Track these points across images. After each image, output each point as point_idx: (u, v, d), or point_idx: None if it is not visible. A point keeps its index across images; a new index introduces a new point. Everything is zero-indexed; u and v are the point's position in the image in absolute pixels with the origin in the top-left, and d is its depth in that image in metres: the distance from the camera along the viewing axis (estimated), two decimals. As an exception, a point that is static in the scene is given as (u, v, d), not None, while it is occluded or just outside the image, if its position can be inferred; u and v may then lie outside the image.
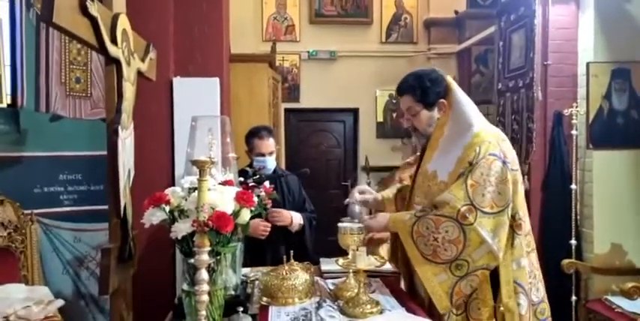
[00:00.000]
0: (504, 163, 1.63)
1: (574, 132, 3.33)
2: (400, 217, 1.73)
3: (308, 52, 5.73)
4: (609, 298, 3.04)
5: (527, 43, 3.51)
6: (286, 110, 5.75)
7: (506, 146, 1.68)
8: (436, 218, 1.61)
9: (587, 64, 3.28)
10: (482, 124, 1.72)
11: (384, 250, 2.31)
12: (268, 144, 2.60)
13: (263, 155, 2.57)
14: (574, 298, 3.23)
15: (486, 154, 1.62)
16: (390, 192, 2.11)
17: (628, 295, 2.60)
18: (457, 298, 1.59)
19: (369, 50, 5.75)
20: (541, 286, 1.75)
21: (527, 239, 1.71)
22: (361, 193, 1.99)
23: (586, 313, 3.11)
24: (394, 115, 5.79)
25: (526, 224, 1.71)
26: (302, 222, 2.59)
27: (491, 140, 1.65)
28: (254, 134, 2.63)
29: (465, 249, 1.57)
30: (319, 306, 1.59)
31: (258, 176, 1.95)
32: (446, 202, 1.61)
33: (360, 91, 5.72)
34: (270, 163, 2.59)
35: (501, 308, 1.62)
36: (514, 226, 1.66)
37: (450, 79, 1.83)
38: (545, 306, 1.75)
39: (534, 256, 1.76)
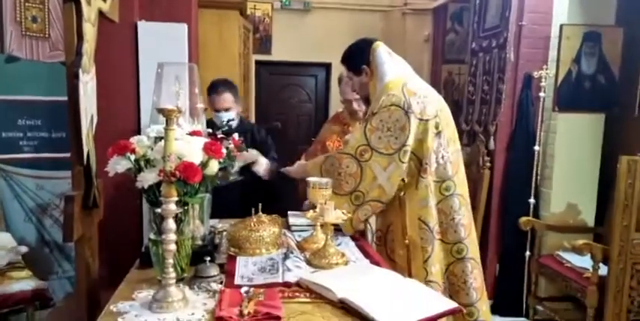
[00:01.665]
0: (406, 113, 1.86)
1: (542, 94, 3.37)
2: (314, 160, 2.06)
3: (281, 1, 5.53)
4: (560, 253, 3.21)
5: (504, 1, 3.47)
6: (257, 62, 5.60)
7: (414, 99, 1.89)
8: (339, 156, 1.93)
9: (561, 26, 3.28)
10: (392, 77, 1.95)
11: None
12: (222, 99, 2.50)
13: (219, 111, 2.48)
14: (528, 253, 3.41)
15: (388, 104, 1.88)
16: None
17: (579, 251, 2.74)
18: (356, 222, 1.93)
19: (344, 2, 5.58)
20: (461, 229, 1.97)
21: (446, 184, 1.95)
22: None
23: (538, 267, 3.29)
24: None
25: (445, 170, 1.95)
26: (270, 167, 2.49)
27: (396, 93, 1.89)
28: (210, 88, 2.53)
29: (362, 182, 1.89)
30: (286, 257, 1.61)
31: (227, 128, 1.91)
32: (347, 141, 1.94)
33: (334, 45, 5.48)
34: (228, 119, 2.46)
35: (406, 240, 1.91)
36: (420, 170, 1.91)
37: (377, 43, 2.04)
38: (464, 247, 1.98)
39: (456, 200, 1.97)
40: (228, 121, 2.29)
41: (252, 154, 2.44)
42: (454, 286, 1.99)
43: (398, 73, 1.98)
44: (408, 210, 1.92)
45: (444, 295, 1.89)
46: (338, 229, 1.89)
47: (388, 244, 2.00)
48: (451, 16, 5.25)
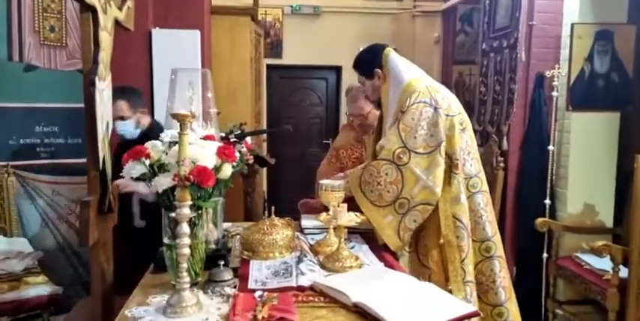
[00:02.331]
0: (435, 109, 1.85)
1: (555, 94, 3.34)
2: (353, 173, 1.97)
3: (291, 6, 5.56)
4: (579, 255, 3.15)
5: (514, 2, 3.45)
6: (268, 66, 5.63)
7: (439, 96, 1.90)
8: (376, 163, 1.85)
9: (572, 25, 3.25)
10: (412, 76, 1.93)
11: None
12: (115, 108, 2.21)
13: (115, 120, 2.24)
14: (545, 255, 3.35)
15: (416, 102, 1.85)
16: None
17: (597, 252, 2.68)
18: (403, 233, 1.82)
19: (354, 6, 5.60)
20: (488, 226, 1.94)
21: (473, 180, 1.94)
22: None
23: (556, 269, 3.23)
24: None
25: (472, 167, 1.94)
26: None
27: (421, 90, 1.88)
28: None
29: (404, 187, 1.81)
30: (300, 260, 1.61)
31: (240, 131, 1.92)
32: (382, 146, 1.86)
33: (344, 48, 5.58)
34: (125, 129, 2.35)
35: (441, 240, 1.84)
36: (452, 167, 1.86)
37: (388, 49, 2.05)
38: (492, 245, 1.95)
39: (482, 197, 1.95)
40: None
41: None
42: (483, 286, 1.95)
43: (415, 73, 2.00)
44: (441, 208, 1.86)
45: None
46: (351, 232, 1.89)
47: (420, 250, 1.92)
48: (461, 18, 5.23)
